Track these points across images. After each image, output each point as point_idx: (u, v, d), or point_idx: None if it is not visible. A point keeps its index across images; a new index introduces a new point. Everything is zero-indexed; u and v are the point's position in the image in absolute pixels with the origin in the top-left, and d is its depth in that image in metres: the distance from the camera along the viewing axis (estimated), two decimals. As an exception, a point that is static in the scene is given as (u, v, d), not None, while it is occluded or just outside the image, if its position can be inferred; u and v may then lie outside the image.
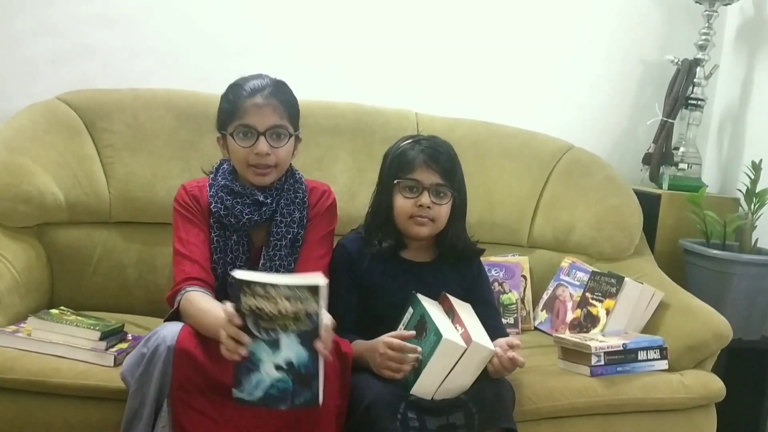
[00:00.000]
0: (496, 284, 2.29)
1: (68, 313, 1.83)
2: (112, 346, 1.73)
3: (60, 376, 1.64)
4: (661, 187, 2.62)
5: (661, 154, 2.63)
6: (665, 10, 2.78)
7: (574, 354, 1.91)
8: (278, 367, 1.36)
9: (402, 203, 1.76)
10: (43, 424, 1.64)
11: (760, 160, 2.37)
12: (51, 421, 1.64)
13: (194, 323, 1.55)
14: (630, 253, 2.39)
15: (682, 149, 2.69)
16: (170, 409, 1.49)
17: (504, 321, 2.18)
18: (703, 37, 2.65)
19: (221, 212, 1.72)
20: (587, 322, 2.13)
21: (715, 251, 2.33)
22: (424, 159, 1.74)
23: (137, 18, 2.38)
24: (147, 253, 2.15)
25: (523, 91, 2.71)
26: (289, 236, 1.75)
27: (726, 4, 2.65)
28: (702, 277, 2.36)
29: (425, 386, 1.59)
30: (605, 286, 2.13)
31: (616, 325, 2.06)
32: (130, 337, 1.80)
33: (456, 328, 1.64)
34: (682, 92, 2.63)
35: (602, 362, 1.88)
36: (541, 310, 2.34)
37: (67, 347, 1.69)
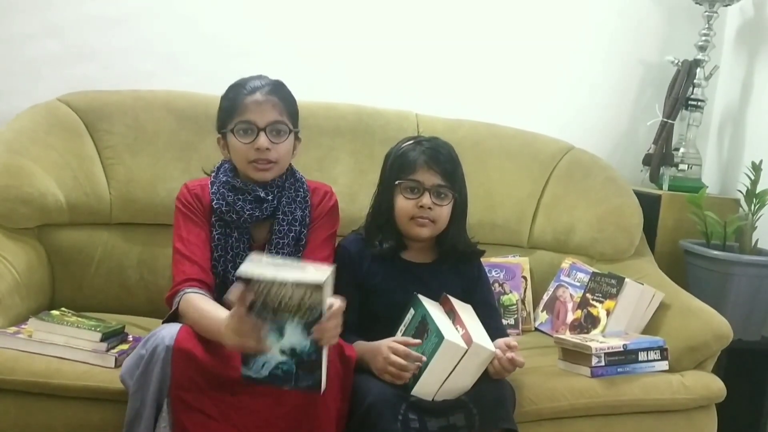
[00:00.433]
0: (496, 285, 2.29)
1: (69, 315, 1.83)
2: (113, 348, 1.73)
3: (61, 378, 1.64)
4: (661, 188, 2.62)
5: (661, 155, 2.63)
6: (665, 11, 2.78)
7: (575, 355, 1.92)
8: (282, 352, 1.39)
9: (403, 204, 1.76)
10: (44, 425, 1.64)
11: (760, 161, 2.37)
12: (52, 423, 1.64)
13: (193, 325, 1.56)
14: (630, 253, 2.39)
15: (682, 150, 2.69)
16: (170, 409, 1.49)
17: (504, 322, 2.18)
18: (703, 38, 2.65)
19: (223, 208, 1.73)
20: (588, 322, 2.13)
21: (716, 252, 2.33)
22: (425, 160, 1.74)
23: (138, 19, 2.38)
24: (148, 255, 2.15)
25: (524, 92, 2.71)
26: (292, 234, 1.75)
27: (726, 5, 2.65)
28: (702, 278, 2.36)
29: (426, 387, 1.60)
30: (606, 286, 2.14)
31: (616, 326, 2.06)
32: (131, 339, 1.80)
33: (457, 329, 1.64)
34: (682, 93, 2.63)
35: (603, 363, 1.88)
36: (542, 311, 2.34)
37: (68, 348, 1.69)
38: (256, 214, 1.74)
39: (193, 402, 1.49)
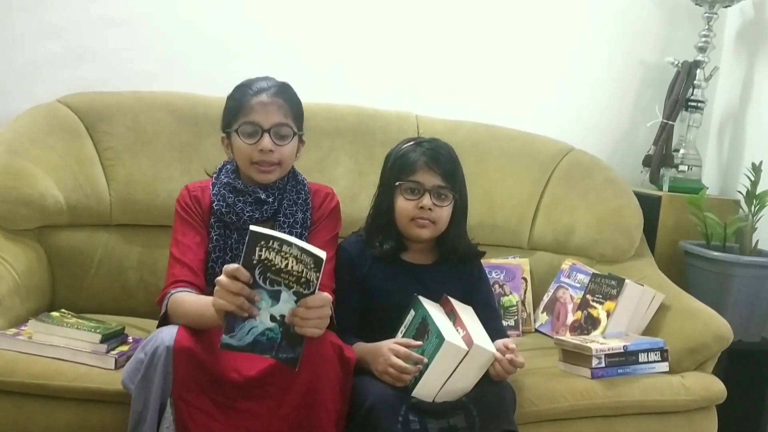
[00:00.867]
0: (496, 286, 2.29)
1: (69, 316, 1.83)
2: (113, 349, 1.73)
3: (61, 379, 1.63)
4: (661, 189, 2.62)
5: (661, 156, 2.63)
6: (665, 12, 2.78)
7: (575, 356, 1.91)
8: (272, 318, 1.43)
9: (403, 205, 1.76)
10: (44, 426, 1.64)
11: (761, 162, 2.37)
12: (52, 424, 1.64)
13: (183, 320, 1.56)
14: (630, 255, 2.39)
15: (682, 151, 2.70)
16: (174, 410, 1.49)
17: (504, 323, 2.18)
18: (703, 39, 2.65)
19: (222, 210, 1.73)
20: (588, 324, 2.13)
21: (716, 253, 2.33)
22: (425, 161, 1.74)
23: (138, 21, 2.38)
24: (148, 256, 2.15)
25: (524, 93, 2.71)
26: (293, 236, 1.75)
27: (726, 6, 2.65)
28: (702, 279, 2.36)
29: (427, 389, 1.59)
30: (606, 288, 2.13)
31: (616, 327, 2.06)
32: (131, 340, 1.80)
33: (457, 330, 1.64)
34: (682, 94, 2.63)
35: (603, 364, 1.88)
36: (542, 312, 2.34)
37: (67, 350, 1.69)
38: (256, 215, 1.74)
39: (196, 402, 1.49)
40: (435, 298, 1.76)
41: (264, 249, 1.39)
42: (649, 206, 2.50)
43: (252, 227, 1.39)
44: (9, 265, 1.90)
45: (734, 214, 2.53)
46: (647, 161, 2.68)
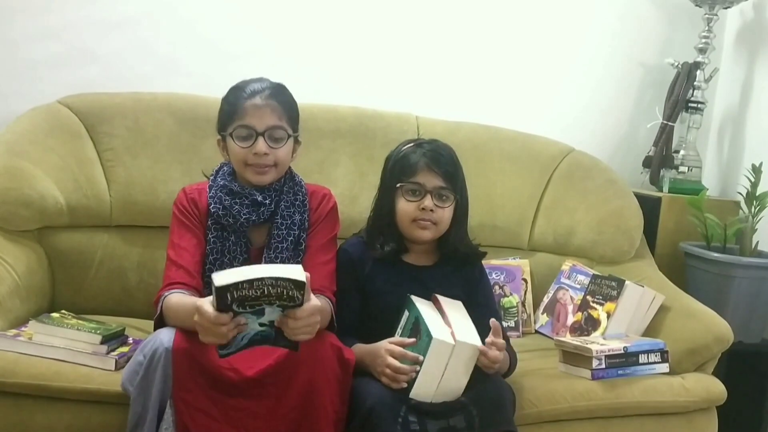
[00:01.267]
0: (496, 287, 2.29)
1: (69, 317, 1.83)
2: (113, 350, 1.73)
3: (61, 380, 1.64)
4: (661, 190, 2.62)
5: (661, 157, 2.63)
6: (665, 14, 2.78)
7: (575, 357, 1.91)
8: (261, 325, 1.46)
9: (404, 207, 1.76)
10: (44, 427, 1.64)
11: (761, 163, 2.37)
12: (52, 425, 1.64)
13: (176, 324, 1.56)
14: (631, 256, 2.39)
15: (682, 152, 2.69)
16: (173, 411, 1.49)
17: (505, 324, 2.18)
18: (703, 41, 2.65)
19: (219, 212, 1.73)
20: (588, 325, 2.13)
21: (716, 254, 2.33)
22: (426, 162, 1.74)
23: (138, 22, 2.38)
24: (148, 257, 2.15)
25: (524, 94, 2.71)
26: (290, 238, 1.75)
27: (726, 8, 2.65)
28: (703, 280, 2.36)
29: (424, 389, 1.59)
30: (606, 289, 2.13)
31: (617, 329, 2.05)
32: (131, 341, 1.80)
33: (445, 327, 1.64)
34: (682, 95, 2.63)
35: (603, 365, 1.88)
36: (542, 314, 2.34)
37: (68, 351, 1.69)
38: (253, 218, 1.73)
39: (196, 403, 1.50)
40: (435, 299, 1.76)
41: (234, 293, 1.38)
42: (650, 207, 2.50)
43: (215, 280, 1.37)
44: (9, 266, 1.90)
45: (734, 215, 2.53)
46: (647, 162, 2.68)
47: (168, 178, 2.17)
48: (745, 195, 2.41)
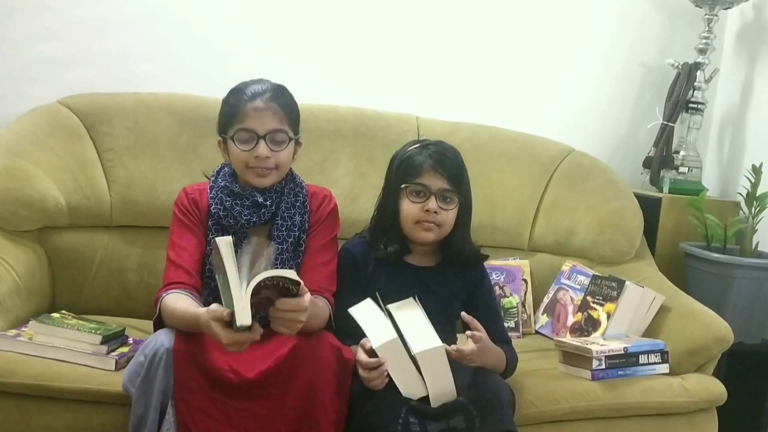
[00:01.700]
0: (497, 288, 2.29)
1: (69, 317, 1.83)
2: (114, 350, 1.73)
3: (61, 380, 1.64)
4: (661, 191, 2.61)
5: (661, 158, 2.63)
6: (665, 14, 2.78)
7: (575, 358, 1.91)
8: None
9: (409, 208, 1.75)
10: (44, 428, 1.64)
11: (761, 164, 2.37)
12: (52, 425, 1.64)
13: (172, 325, 1.56)
14: (631, 256, 2.39)
15: (682, 153, 2.69)
16: (174, 411, 1.49)
17: (505, 325, 2.17)
18: (704, 41, 2.65)
19: (220, 213, 1.73)
20: (588, 325, 2.13)
21: (716, 255, 2.33)
22: (431, 164, 1.74)
23: (138, 22, 2.38)
24: (148, 257, 2.15)
25: (524, 94, 2.71)
26: (291, 240, 1.75)
27: (726, 8, 2.65)
28: (703, 281, 2.36)
29: (408, 387, 1.58)
30: (606, 289, 2.13)
31: (617, 329, 2.06)
32: (132, 341, 1.80)
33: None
34: (682, 96, 2.63)
35: (603, 366, 1.88)
36: (542, 314, 2.34)
37: (68, 351, 1.69)
38: (254, 219, 1.73)
39: (197, 403, 1.50)
40: (437, 300, 1.76)
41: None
42: (650, 208, 2.50)
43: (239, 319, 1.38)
44: (9, 267, 1.90)
45: (734, 215, 2.53)
46: (647, 163, 2.68)
47: (168, 178, 2.17)
48: (745, 195, 2.41)
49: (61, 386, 1.63)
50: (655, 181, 2.64)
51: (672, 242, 2.50)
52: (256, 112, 1.68)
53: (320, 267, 1.73)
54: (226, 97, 1.75)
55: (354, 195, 2.26)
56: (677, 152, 2.69)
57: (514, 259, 2.40)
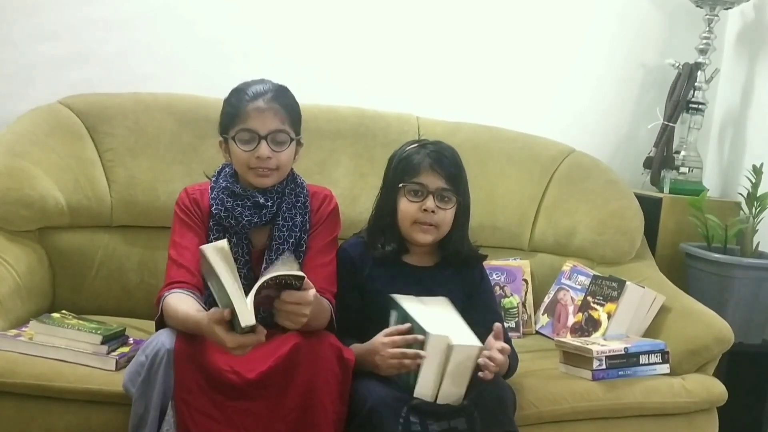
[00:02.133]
0: (497, 288, 2.29)
1: (70, 317, 1.83)
2: (114, 350, 1.73)
3: (62, 380, 1.63)
4: (662, 191, 2.62)
5: (662, 158, 2.63)
6: (666, 14, 2.78)
7: (576, 358, 1.91)
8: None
9: (406, 207, 1.75)
10: (45, 428, 1.64)
11: (761, 164, 2.37)
12: (53, 425, 1.64)
13: (175, 325, 1.56)
14: (631, 256, 2.39)
15: (683, 153, 2.70)
16: (174, 412, 1.49)
17: (505, 325, 2.18)
18: (704, 41, 2.65)
19: (221, 214, 1.72)
20: (589, 326, 2.13)
21: (717, 255, 2.33)
22: (429, 163, 1.74)
23: (138, 22, 2.38)
24: (148, 257, 2.15)
25: (525, 95, 2.71)
26: (292, 240, 1.75)
27: (727, 8, 2.65)
28: (703, 281, 2.36)
29: (426, 386, 1.58)
30: (607, 289, 2.13)
31: (617, 329, 2.06)
32: (132, 341, 1.80)
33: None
34: (683, 96, 2.63)
35: (604, 366, 1.88)
36: (543, 314, 2.34)
37: (68, 351, 1.69)
38: (255, 220, 1.73)
39: (197, 404, 1.50)
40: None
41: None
42: (650, 208, 2.50)
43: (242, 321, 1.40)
44: (10, 267, 1.90)
45: (735, 216, 2.53)
46: (648, 163, 2.68)
47: (169, 178, 2.17)
48: (745, 196, 2.41)
49: (61, 386, 1.63)
50: (656, 182, 2.64)
51: (672, 242, 2.50)
52: (257, 113, 1.68)
53: (321, 267, 1.73)
54: (227, 97, 1.75)
55: (354, 195, 2.26)
56: (678, 152, 2.70)
57: (515, 259, 2.40)
